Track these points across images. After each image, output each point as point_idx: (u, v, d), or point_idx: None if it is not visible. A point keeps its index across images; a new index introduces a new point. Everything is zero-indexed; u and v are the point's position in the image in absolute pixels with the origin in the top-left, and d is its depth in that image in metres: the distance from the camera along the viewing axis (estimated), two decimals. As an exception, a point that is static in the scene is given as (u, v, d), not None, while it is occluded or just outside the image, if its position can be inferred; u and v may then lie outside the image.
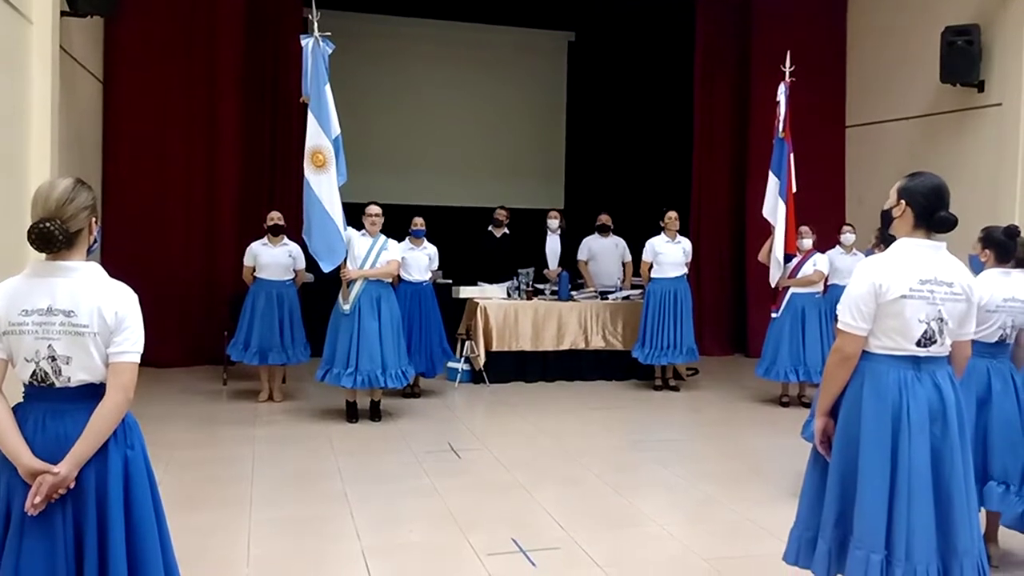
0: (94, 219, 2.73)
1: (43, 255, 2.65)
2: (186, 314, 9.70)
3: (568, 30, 13.03)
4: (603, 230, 10.11)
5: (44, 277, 2.64)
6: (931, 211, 3.15)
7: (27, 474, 2.55)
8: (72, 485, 2.59)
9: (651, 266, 9.09)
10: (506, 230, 9.93)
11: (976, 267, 4.49)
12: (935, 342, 3.11)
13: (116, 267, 2.87)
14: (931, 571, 3.03)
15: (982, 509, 4.25)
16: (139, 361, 2.70)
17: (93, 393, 2.64)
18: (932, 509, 3.05)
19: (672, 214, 9.13)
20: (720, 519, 5.29)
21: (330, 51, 7.08)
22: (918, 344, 3.09)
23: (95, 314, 2.61)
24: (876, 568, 3.03)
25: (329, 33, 7.07)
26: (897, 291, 3.07)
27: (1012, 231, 4.42)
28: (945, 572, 3.07)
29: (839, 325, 3.17)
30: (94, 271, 2.69)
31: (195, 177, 9.93)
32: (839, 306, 3.21)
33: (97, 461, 2.63)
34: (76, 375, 2.62)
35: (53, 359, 2.60)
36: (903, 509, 3.03)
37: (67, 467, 2.56)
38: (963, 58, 9.00)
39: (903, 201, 3.20)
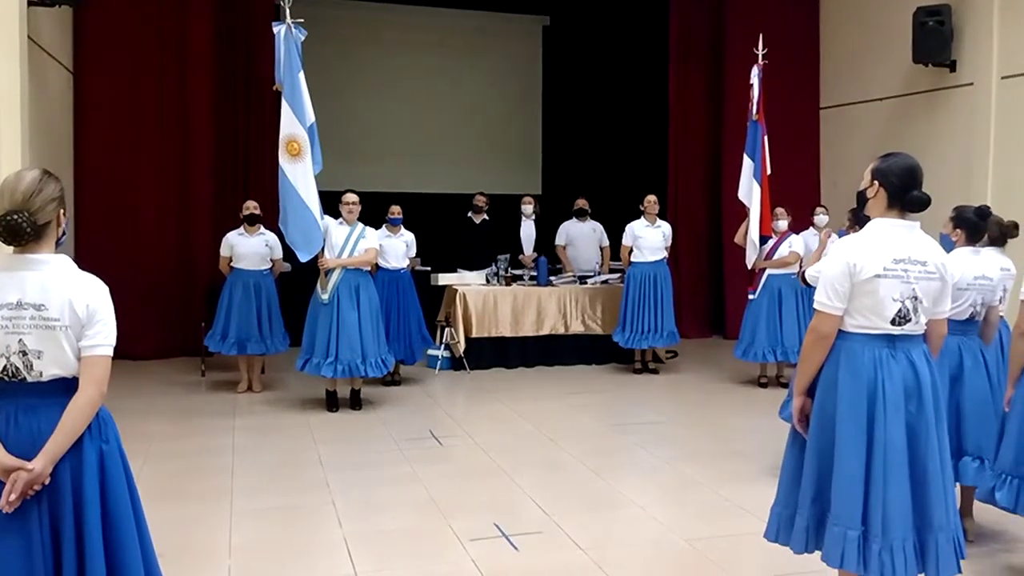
0: (62, 211, 2.69)
1: (11, 248, 2.62)
2: (162, 306, 9.62)
3: (542, 14, 13.00)
4: (580, 214, 10.11)
5: (13, 271, 2.60)
6: (904, 191, 3.17)
7: (0, 471, 2.52)
8: (47, 481, 2.56)
9: (631, 250, 9.10)
10: (486, 216, 9.92)
11: (947, 246, 4.52)
12: (909, 320, 3.13)
13: (91, 259, 2.85)
14: (907, 546, 3.06)
15: (957, 484, 4.32)
16: (112, 354, 2.67)
17: (66, 388, 2.60)
18: (908, 485, 3.08)
19: (651, 198, 9.15)
20: (701, 500, 5.33)
21: (303, 38, 7.02)
22: (892, 322, 3.11)
23: (66, 307, 2.58)
24: (853, 544, 3.06)
25: (302, 20, 7.01)
26: (871, 270, 3.09)
27: (983, 212, 4.46)
28: (921, 547, 3.10)
29: (815, 305, 3.18)
30: (64, 264, 2.66)
31: (169, 167, 9.84)
32: (810, 271, 3.23)
33: (72, 456, 2.60)
34: (48, 370, 2.59)
35: (24, 354, 2.56)
36: (879, 486, 3.05)
37: (41, 463, 2.53)
38: (935, 38, 9.05)
39: (876, 182, 3.22)
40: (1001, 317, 4.59)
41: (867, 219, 3.29)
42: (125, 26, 9.47)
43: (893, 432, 3.07)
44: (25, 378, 2.58)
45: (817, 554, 3.23)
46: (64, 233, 2.73)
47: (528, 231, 10.11)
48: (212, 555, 4.40)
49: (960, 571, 3.17)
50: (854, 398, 3.09)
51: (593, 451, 6.38)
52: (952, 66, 9.16)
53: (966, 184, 8.54)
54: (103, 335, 2.63)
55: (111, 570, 2.63)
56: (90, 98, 9.42)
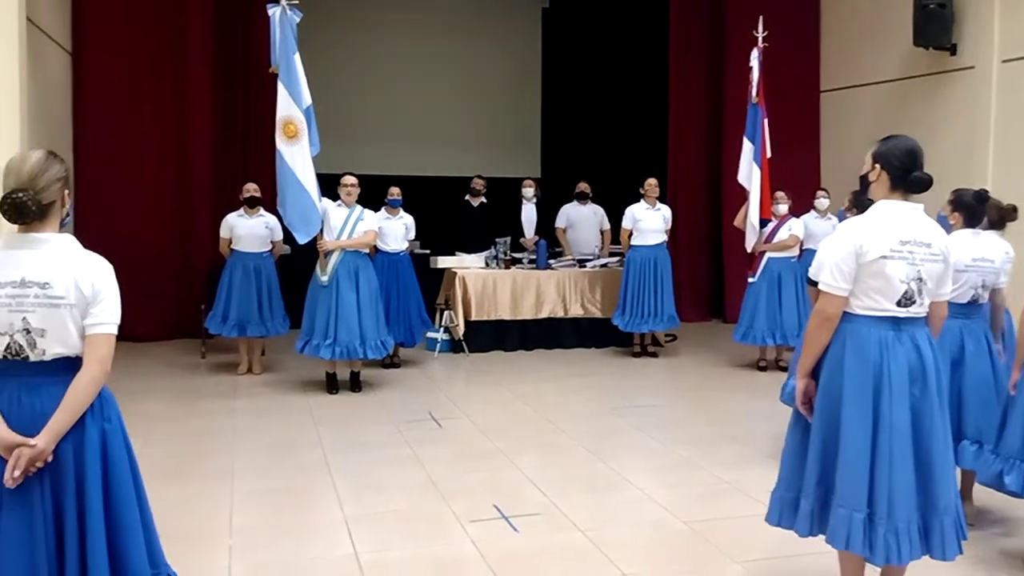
0: (67, 191, 2.70)
1: (15, 227, 2.62)
2: (162, 287, 9.59)
3: (542, -3, 12.96)
4: (581, 198, 10.08)
5: (16, 249, 2.60)
6: (906, 172, 3.17)
7: (4, 447, 2.52)
8: (50, 459, 2.56)
9: (631, 233, 9.09)
10: (483, 199, 9.89)
11: (944, 227, 4.52)
12: (915, 302, 3.13)
13: (90, 241, 2.83)
14: (912, 528, 3.07)
15: (957, 468, 4.32)
16: (116, 333, 2.67)
17: (69, 366, 2.60)
18: (912, 468, 3.09)
19: (652, 181, 9.13)
20: (699, 482, 5.34)
21: (298, 19, 6.98)
22: (898, 304, 3.11)
23: (72, 285, 2.58)
24: (859, 526, 3.07)
25: (296, 2, 6.96)
26: (877, 252, 3.09)
27: (982, 196, 4.45)
28: (925, 529, 3.12)
29: (821, 286, 3.18)
30: (68, 242, 2.66)
31: (168, 149, 9.81)
32: (811, 268, 3.24)
33: (74, 435, 2.60)
34: (51, 348, 2.59)
35: (28, 332, 2.56)
36: (884, 468, 3.06)
37: (44, 440, 2.53)
38: (935, 21, 9.00)
39: (878, 165, 3.22)
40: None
41: (870, 202, 3.29)
42: (123, 6, 9.41)
43: (898, 415, 3.07)
44: (28, 356, 2.58)
45: (817, 536, 3.24)
46: (68, 214, 2.73)
47: (529, 214, 10.09)
48: (213, 535, 4.41)
49: (962, 552, 3.19)
50: (860, 380, 3.09)
51: (592, 433, 6.39)
52: (953, 49, 9.12)
53: (966, 168, 8.52)
54: (107, 313, 2.63)
55: (113, 548, 2.64)
56: (89, 80, 9.38)
